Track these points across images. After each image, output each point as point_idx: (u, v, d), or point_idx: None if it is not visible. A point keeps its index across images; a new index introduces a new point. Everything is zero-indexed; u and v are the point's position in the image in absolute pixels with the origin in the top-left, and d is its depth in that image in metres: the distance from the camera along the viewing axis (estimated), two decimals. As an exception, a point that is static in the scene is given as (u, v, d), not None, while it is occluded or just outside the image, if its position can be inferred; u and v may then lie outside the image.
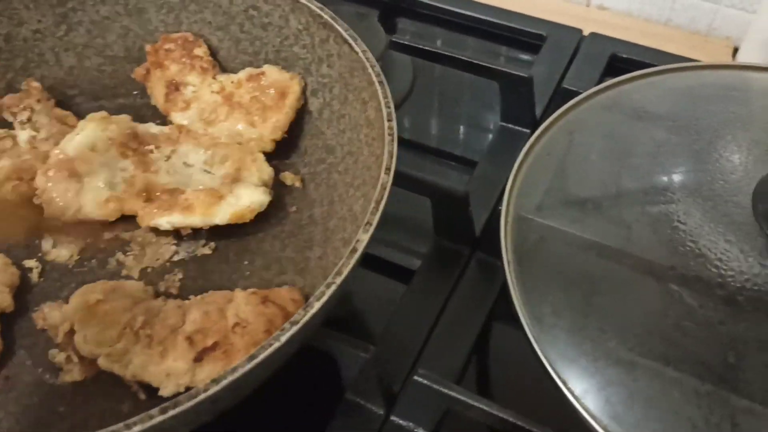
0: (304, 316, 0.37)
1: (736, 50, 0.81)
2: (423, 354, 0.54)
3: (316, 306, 0.38)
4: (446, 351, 0.54)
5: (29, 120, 0.58)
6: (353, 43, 0.52)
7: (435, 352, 0.54)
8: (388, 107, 0.47)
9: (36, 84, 0.60)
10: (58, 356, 0.47)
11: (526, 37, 0.81)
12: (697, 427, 0.40)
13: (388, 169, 0.44)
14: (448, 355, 0.54)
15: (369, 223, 0.41)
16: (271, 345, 0.36)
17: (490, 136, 0.73)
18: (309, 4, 0.55)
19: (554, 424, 0.47)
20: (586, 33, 0.80)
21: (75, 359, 0.47)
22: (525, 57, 0.81)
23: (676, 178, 0.52)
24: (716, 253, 0.46)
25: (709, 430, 0.40)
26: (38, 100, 0.59)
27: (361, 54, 0.51)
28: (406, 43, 0.72)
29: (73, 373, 0.47)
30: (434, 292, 0.57)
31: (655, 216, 0.49)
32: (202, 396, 0.34)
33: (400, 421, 0.50)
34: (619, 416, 0.41)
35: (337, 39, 0.54)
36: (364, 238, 0.40)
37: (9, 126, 0.59)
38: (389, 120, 0.46)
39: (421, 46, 0.71)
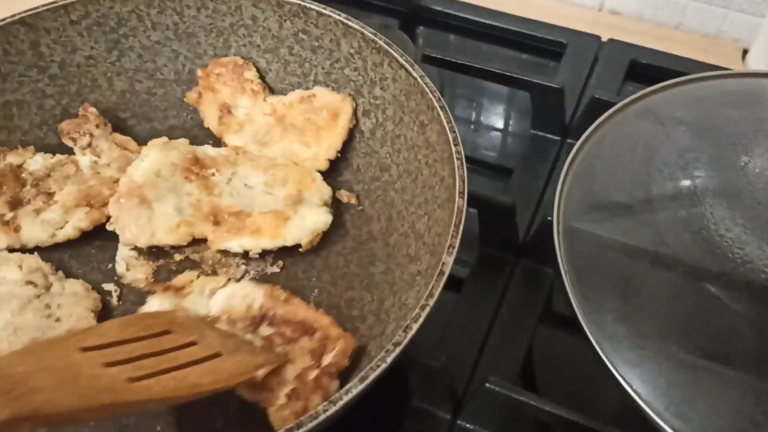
0: (405, 338, 0.40)
1: (745, 52, 0.85)
2: (482, 360, 0.56)
3: (415, 327, 0.40)
4: (503, 356, 0.57)
5: (89, 145, 0.60)
6: (410, 69, 0.54)
7: (493, 358, 0.57)
8: (453, 132, 0.50)
9: (93, 109, 0.61)
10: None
11: (546, 44, 0.84)
12: (758, 423, 0.44)
13: (461, 193, 0.47)
14: (506, 361, 0.57)
15: (452, 246, 0.44)
16: (379, 366, 0.39)
17: (518, 138, 0.75)
18: (362, 30, 0.57)
19: (614, 424, 0.50)
20: (603, 38, 0.83)
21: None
22: (543, 62, 0.84)
23: (715, 185, 0.55)
24: (764, 259, 0.49)
25: (768, 425, 0.44)
26: (96, 125, 0.61)
27: (419, 79, 0.53)
28: (438, 56, 0.74)
29: None
30: (484, 300, 0.60)
31: (701, 224, 0.53)
32: (323, 417, 0.37)
33: (467, 425, 0.53)
34: (684, 416, 0.45)
35: (392, 63, 0.56)
36: (449, 260, 0.43)
37: (70, 151, 0.61)
38: (456, 144, 0.49)
39: (452, 60, 0.74)
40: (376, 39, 0.57)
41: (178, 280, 0.53)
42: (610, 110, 0.62)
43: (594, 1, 0.90)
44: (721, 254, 0.50)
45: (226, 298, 0.51)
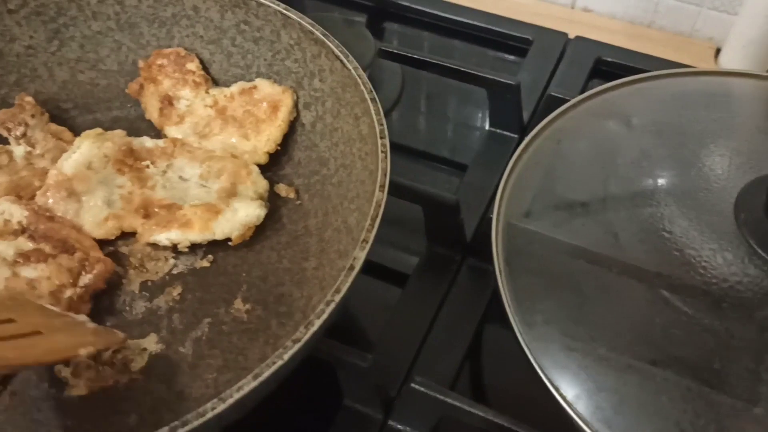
0: (306, 334, 0.39)
1: (718, 51, 0.83)
2: (418, 359, 0.55)
3: (317, 324, 0.39)
4: (441, 356, 0.56)
5: (24, 135, 0.59)
6: (344, 60, 0.53)
7: (430, 358, 0.55)
8: (381, 124, 0.48)
9: (29, 99, 0.60)
10: (64, 371, 0.48)
11: (512, 41, 0.82)
12: (685, 430, 0.42)
13: (382, 186, 0.45)
14: (443, 360, 0.55)
15: (365, 241, 0.42)
16: (275, 363, 0.37)
17: (477, 135, 0.74)
18: (300, 21, 0.56)
19: (547, 428, 0.48)
20: (571, 36, 0.82)
21: (81, 373, 0.48)
22: (512, 59, 0.82)
23: (663, 185, 0.54)
24: (701, 260, 0.48)
25: (696, 433, 0.42)
26: (32, 115, 0.59)
27: (352, 70, 0.52)
28: (394, 51, 0.73)
29: (79, 387, 0.48)
30: (428, 298, 0.59)
31: (642, 223, 0.51)
32: (210, 414, 0.36)
33: (398, 426, 0.52)
34: (609, 421, 0.43)
35: (328, 55, 0.55)
36: (361, 255, 0.42)
37: (4, 141, 0.60)
38: (382, 137, 0.48)
39: (409, 54, 0.72)
40: (313, 30, 0.55)
41: None
42: (564, 106, 0.60)
43: (566, -2, 0.88)
44: (671, 259, 0.49)
45: None
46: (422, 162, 0.74)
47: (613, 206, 0.54)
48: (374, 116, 0.49)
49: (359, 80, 0.51)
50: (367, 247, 0.42)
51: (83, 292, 0.50)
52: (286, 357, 0.38)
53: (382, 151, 0.47)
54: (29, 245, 0.51)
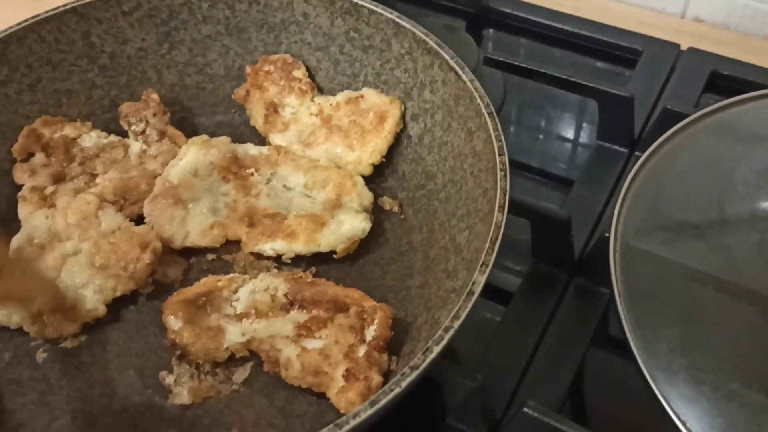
0: (424, 361, 0.37)
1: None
2: (525, 382, 0.53)
3: (436, 351, 0.37)
4: (548, 379, 0.53)
5: (143, 132, 0.60)
6: (460, 72, 0.51)
7: (536, 380, 0.53)
8: (500, 141, 0.46)
9: (155, 96, 0.61)
10: (168, 378, 0.48)
11: (619, 51, 0.79)
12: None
13: (501, 207, 0.43)
14: (549, 384, 0.53)
15: (485, 264, 0.41)
16: (392, 390, 0.36)
17: (582, 148, 0.72)
18: (413, 29, 0.55)
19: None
20: (683, 47, 0.78)
21: (184, 381, 0.48)
22: (618, 70, 0.79)
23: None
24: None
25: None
26: (154, 114, 0.60)
27: (468, 83, 0.50)
28: (501, 59, 0.70)
29: (182, 396, 0.48)
30: (533, 318, 0.56)
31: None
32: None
33: (502, 449, 0.50)
34: (744, 463, 0.40)
35: (442, 66, 0.53)
36: (481, 280, 0.40)
37: (124, 134, 0.61)
38: (501, 154, 0.46)
39: (516, 63, 0.70)
40: (427, 39, 0.54)
41: (199, 286, 0.51)
42: (683, 122, 0.58)
43: (676, 7, 0.84)
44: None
45: (249, 293, 0.50)
46: (523, 175, 0.72)
47: (734, 229, 0.51)
48: (492, 132, 0.47)
49: (475, 93, 0.50)
50: (487, 271, 0.40)
51: (375, 344, 0.47)
52: (403, 384, 0.36)
53: (501, 170, 0.45)
54: (303, 316, 0.49)
